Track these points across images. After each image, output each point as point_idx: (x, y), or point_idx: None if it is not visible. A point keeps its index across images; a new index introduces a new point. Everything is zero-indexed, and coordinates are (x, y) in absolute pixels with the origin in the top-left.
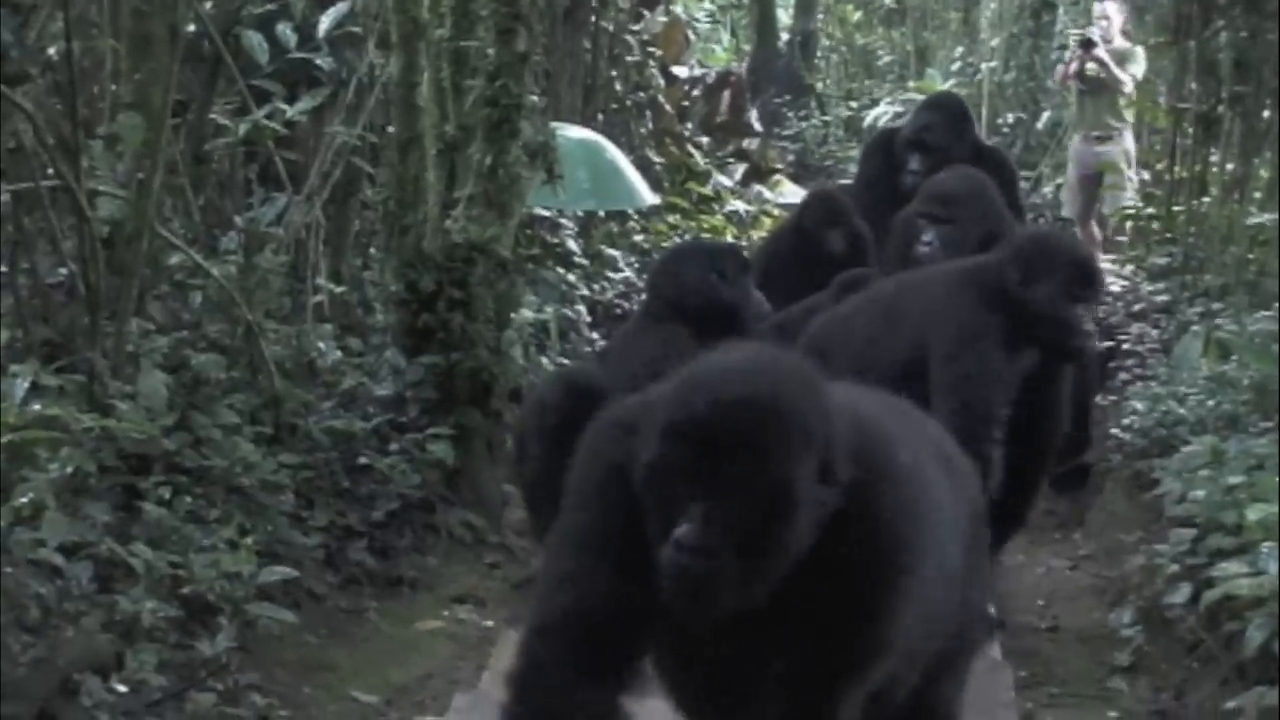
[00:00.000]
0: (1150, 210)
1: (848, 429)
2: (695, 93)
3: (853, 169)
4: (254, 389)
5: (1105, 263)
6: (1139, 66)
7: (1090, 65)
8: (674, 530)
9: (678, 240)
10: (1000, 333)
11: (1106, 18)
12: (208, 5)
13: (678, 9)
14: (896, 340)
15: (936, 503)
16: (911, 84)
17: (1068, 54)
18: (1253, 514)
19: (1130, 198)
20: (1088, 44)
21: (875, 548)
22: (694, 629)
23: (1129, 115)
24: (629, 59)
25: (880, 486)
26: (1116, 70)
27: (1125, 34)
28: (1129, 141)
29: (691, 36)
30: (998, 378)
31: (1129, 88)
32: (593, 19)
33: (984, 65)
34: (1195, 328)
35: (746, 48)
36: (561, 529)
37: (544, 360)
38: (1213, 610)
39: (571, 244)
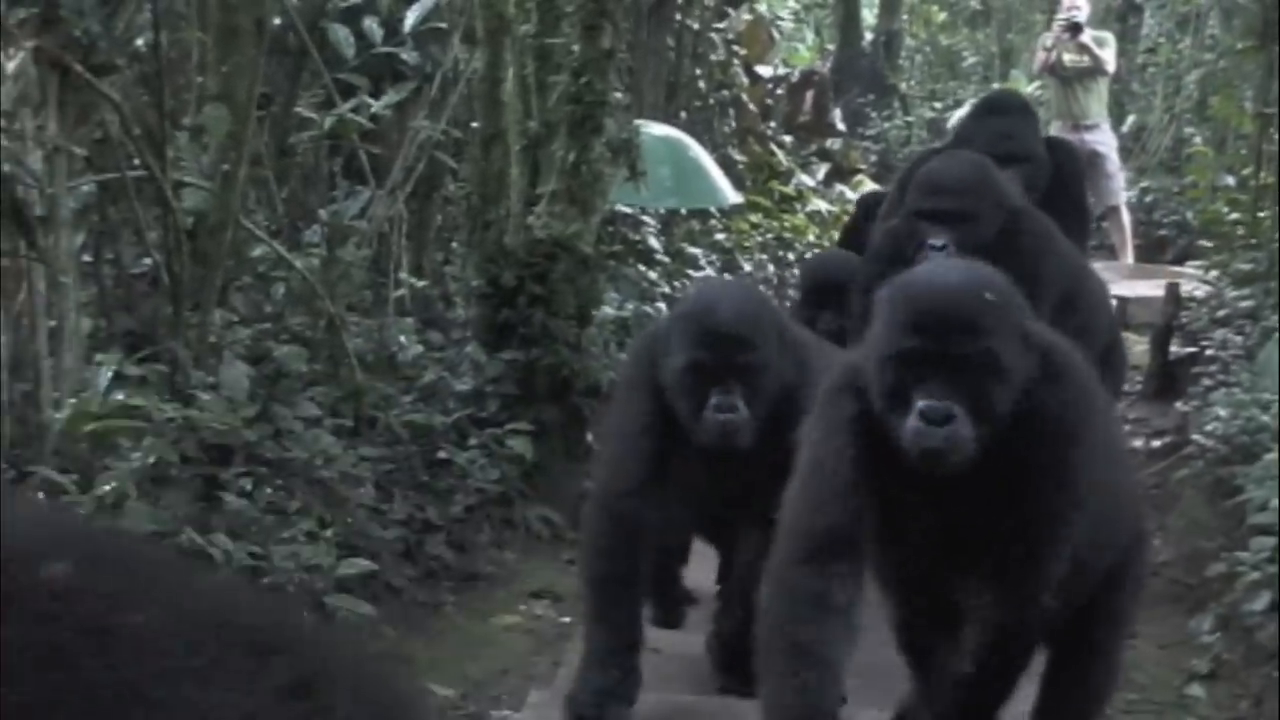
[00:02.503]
0: (1235, 215)
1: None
2: (779, 91)
3: None
4: (335, 382)
5: (1190, 267)
6: (1111, 52)
7: (1069, 53)
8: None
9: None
10: None
11: (1077, 7)
12: None
13: (762, 8)
14: None
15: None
16: (996, 85)
17: (1045, 41)
18: None
19: (1122, 188)
20: (1075, 29)
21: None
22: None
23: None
24: (713, 57)
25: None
26: (1101, 53)
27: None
28: (1110, 131)
29: (775, 35)
30: None
31: (1111, 69)
32: (677, 17)
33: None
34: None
35: (830, 47)
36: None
37: (624, 357)
38: None
39: (653, 241)
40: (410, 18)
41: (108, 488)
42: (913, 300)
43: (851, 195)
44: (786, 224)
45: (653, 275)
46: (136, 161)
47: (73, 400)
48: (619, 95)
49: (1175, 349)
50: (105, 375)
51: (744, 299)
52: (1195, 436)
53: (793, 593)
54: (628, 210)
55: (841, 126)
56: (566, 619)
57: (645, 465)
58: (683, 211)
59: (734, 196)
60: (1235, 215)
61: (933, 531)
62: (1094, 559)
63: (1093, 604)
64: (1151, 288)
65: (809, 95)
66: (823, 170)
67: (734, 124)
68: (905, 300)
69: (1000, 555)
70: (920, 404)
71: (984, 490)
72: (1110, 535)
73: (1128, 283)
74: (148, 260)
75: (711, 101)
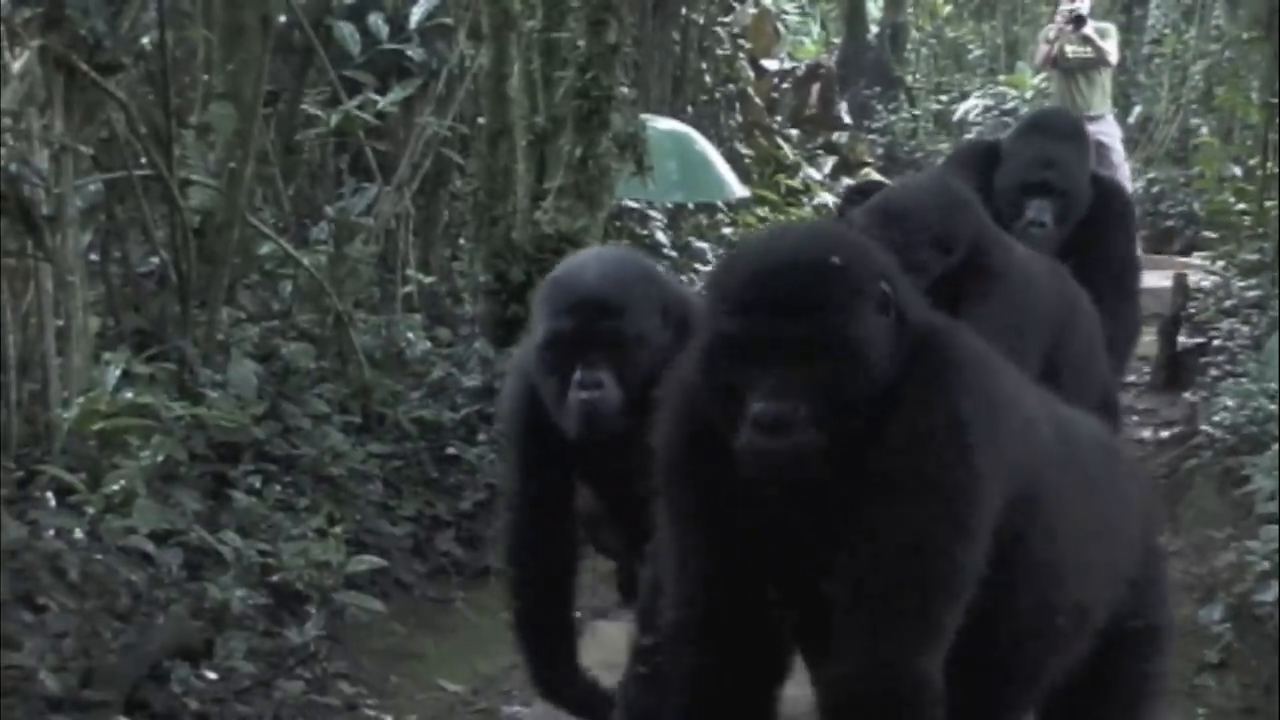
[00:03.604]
0: (1241, 206)
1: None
2: (784, 85)
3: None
4: (343, 378)
5: (1197, 258)
6: (1113, 43)
7: (1072, 45)
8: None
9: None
10: None
11: None
12: None
13: (767, 1)
14: None
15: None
16: (1002, 77)
17: (1048, 33)
18: None
19: (1128, 179)
20: (1079, 20)
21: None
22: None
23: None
24: (719, 51)
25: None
26: (1103, 45)
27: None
28: (1114, 122)
29: (781, 29)
30: None
31: (1114, 60)
32: (683, 11)
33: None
34: None
35: (836, 40)
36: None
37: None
38: None
39: (660, 236)
40: (416, 14)
41: (116, 486)
42: (736, 268)
43: None
44: (793, 217)
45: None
46: (143, 160)
47: (81, 399)
48: (625, 90)
49: (1183, 339)
50: (113, 374)
51: (615, 262)
52: (1204, 427)
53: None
54: (635, 205)
55: (847, 120)
56: (577, 614)
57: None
58: (690, 205)
59: (740, 190)
60: (1242, 205)
61: (777, 563)
62: (1060, 611)
63: (1095, 675)
64: (1159, 278)
65: (815, 89)
66: (829, 164)
67: (740, 118)
68: (726, 270)
69: (850, 600)
70: (754, 409)
71: (830, 512)
72: (1096, 584)
73: None
74: (155, 259)
75: (717, 95)
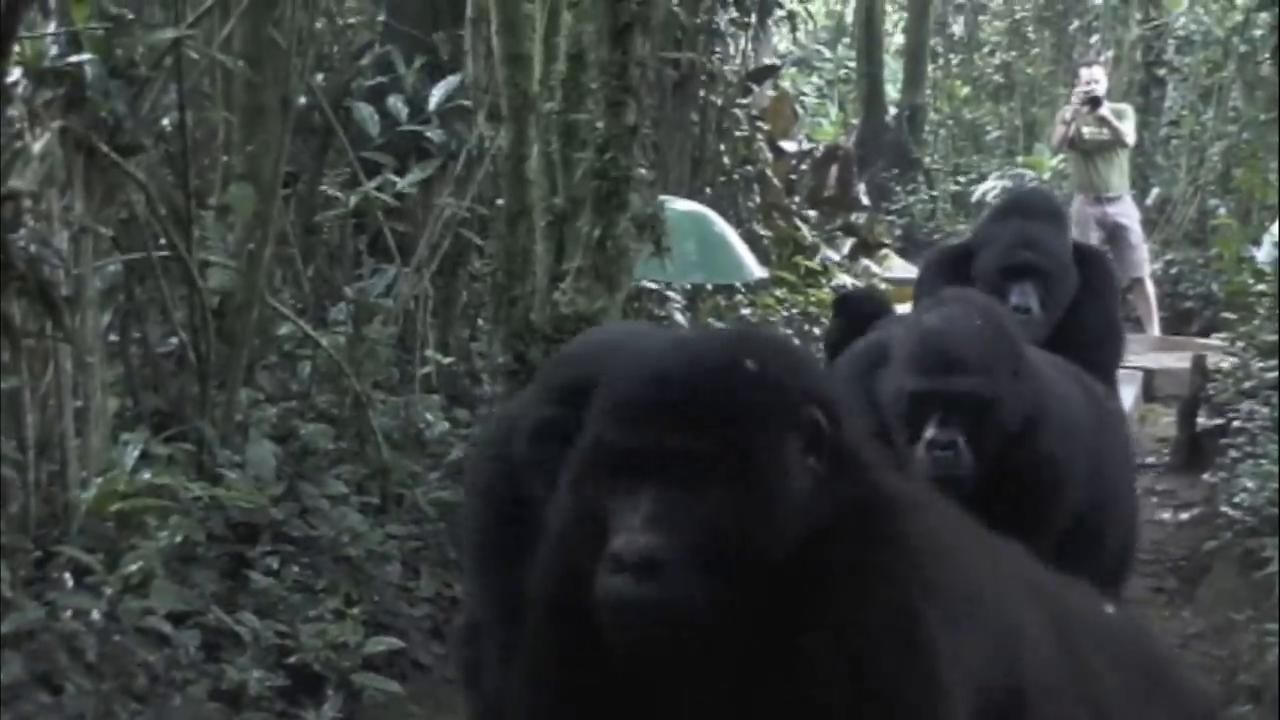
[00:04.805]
0: (1260, 287)
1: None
2: (803, 166)
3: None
4: (362, 459)
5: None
6: (1130, 124)
7: (1089, 127)
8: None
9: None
10: None
11: (1096, 81)
12: (319, 78)
13: (786, 83)
14: None
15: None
16: (1020, 159)
17: (1065, 115)
18: None
19: (1147, 260)
20: (1095, 102)
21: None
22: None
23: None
24: (737, 132)
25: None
26: (1120, 126)
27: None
28: (1132, 203)
29: (799, 111)
30: None
31: (1131, 141)
32: (701, 93)
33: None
34: None
35: (854, 122)
36: None
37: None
38: None
39: (679, 317)
40: (435, 96)
41: (134, 567)
42: (633, 366)
43: (877, 270)
44: (812, 299)
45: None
46: (163, 241)
47: (99, 479)
48: (644, 171)
49: (1202, 421)
50: (132, 454)
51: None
52: (1223, 508)
53: None
54: (653, 285)
55: (866, 201)
56: None
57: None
58: (708, 286)
59: (759, 271)
60: (1261, 286)
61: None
62: None
63: None
64: (1178, 360)
65: (833, 170)
66: (848, 245)
67: (758, 199)
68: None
69: None
70: (615, 543)
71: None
72: None
73: (1154, 355)
74: (174, 339)
75: (736, 177)
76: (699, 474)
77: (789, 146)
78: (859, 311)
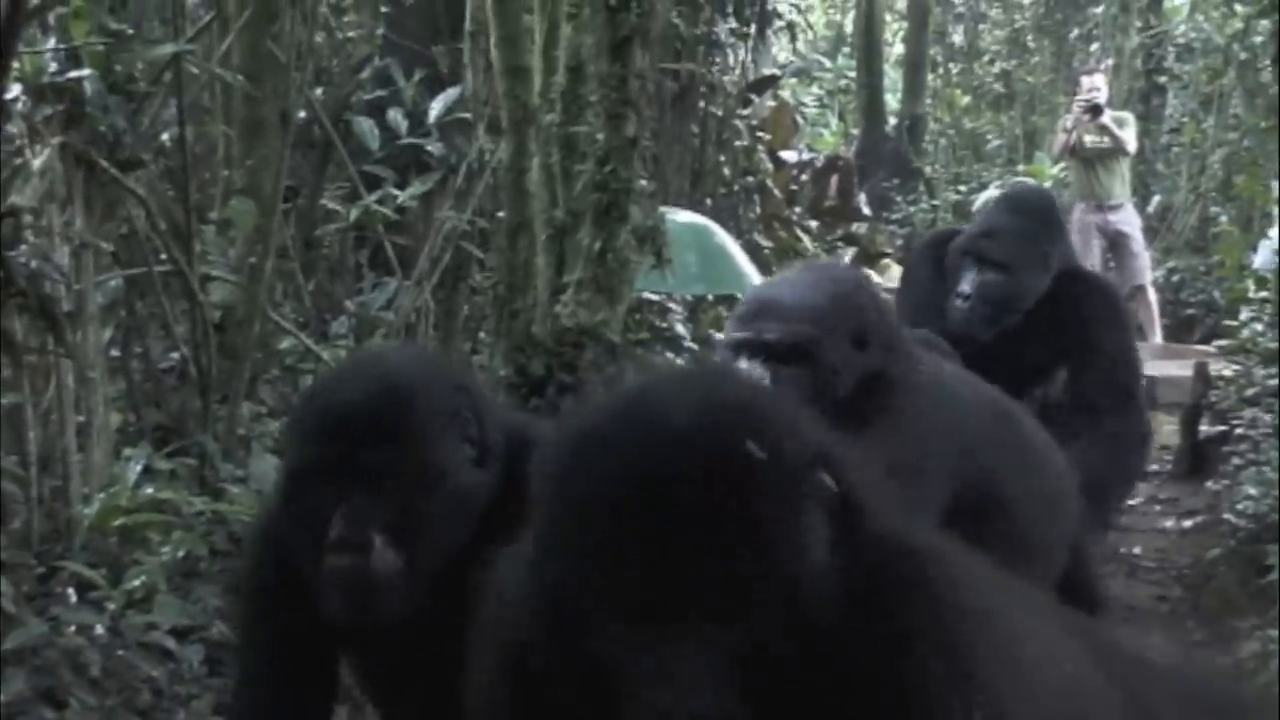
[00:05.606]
0: (1263, 294)
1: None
2: (803, 177)
3: None
4: None
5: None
6: (1131, 132)
7: (1089, 135)
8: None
9: None
10: None
11: (1097, 89)
12: (319, 92)
13: (786, 94)
14: None
15: None
16: (1021, 168)
17: (1066, 123)
18: None
19: (1148, 268)
20: (1096, 110)
21: None
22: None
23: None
24: (737, 143)
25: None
26: (1121, 134)
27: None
28: (1133, 210)
29: (800, 121)
30: None
31: (1132, 149)
32: (701, 104)
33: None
34: None
35: (855, 132)
36: None
37: None
38: None
39: (680, 328)
40: (435, 109)
41: (137, 582)
42: (321, 394)
43: (878, 280)
44: None
45: (680, 362)
46: (163, 256)
47: (102, 495)
48: (644, 182)
49: (1204, 428)
50: (134, 469)
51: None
52: (1226, 515)
53: None
54: (654, 297)
55: (867, 211)
56: None
57: None
58: (709, 298)
59: (760, 282)
60: (1263, 293)
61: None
62: None
63: None
64: (1180, 367)
65: (834, 180)
66: (849, 255)
67: (759, 209)
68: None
69: None
70: (330, 533)
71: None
72: None
73: (1156, 362)
74: (175, 354)
75: (736, 187)
76: (378, 473)
77: (789, 157)
78: None
